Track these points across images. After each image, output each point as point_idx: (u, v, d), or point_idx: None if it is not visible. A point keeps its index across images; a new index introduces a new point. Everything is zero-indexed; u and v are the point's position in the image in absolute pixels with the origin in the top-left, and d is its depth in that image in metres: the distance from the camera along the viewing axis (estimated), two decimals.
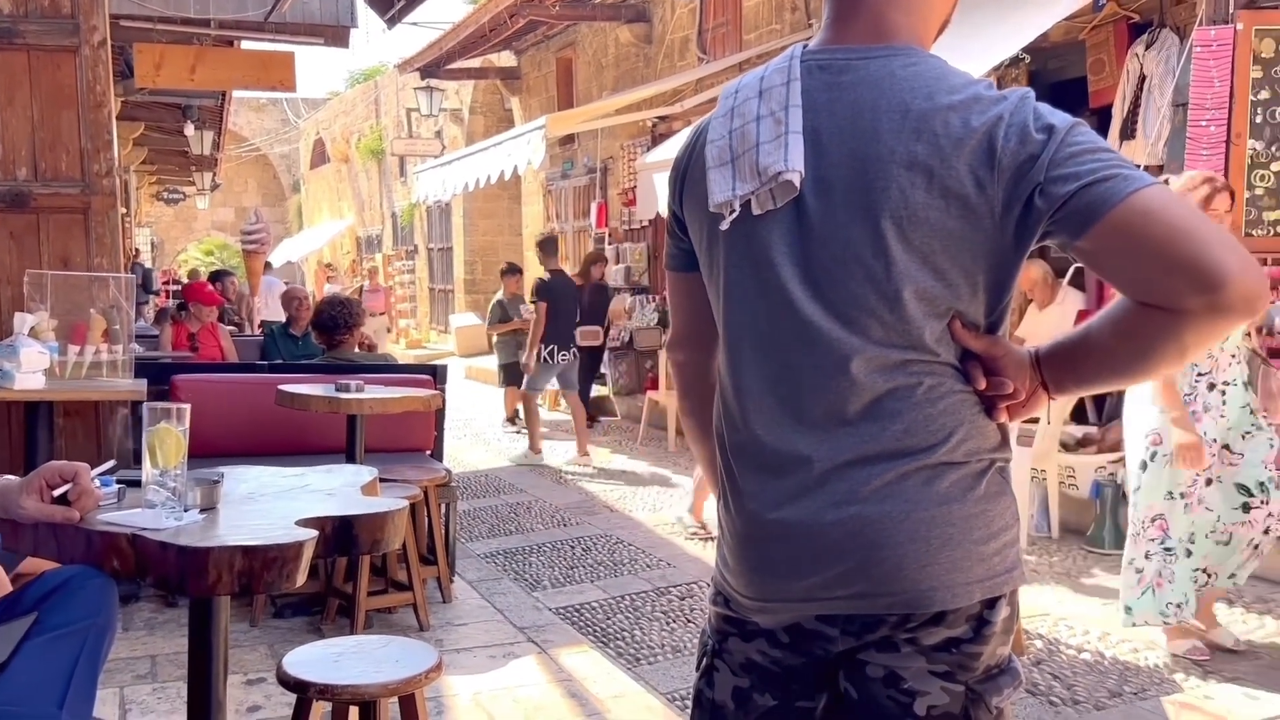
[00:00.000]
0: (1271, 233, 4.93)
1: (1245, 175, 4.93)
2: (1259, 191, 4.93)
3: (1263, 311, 1.12)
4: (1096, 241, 1.13)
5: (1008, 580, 1.27)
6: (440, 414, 4.71)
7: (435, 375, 4.76)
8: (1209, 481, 3.60)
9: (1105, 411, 6.03)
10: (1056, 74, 6.93)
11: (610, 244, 11.55)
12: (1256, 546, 3.66)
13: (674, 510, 6.29)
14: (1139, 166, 5.74)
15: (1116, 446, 5.51)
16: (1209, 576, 3.69)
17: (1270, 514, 3.61)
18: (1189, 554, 3.62)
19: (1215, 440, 3.57)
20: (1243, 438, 3.60)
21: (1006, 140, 1.16)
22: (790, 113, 1.25)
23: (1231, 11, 4.93)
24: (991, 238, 1.19)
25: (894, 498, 1.22)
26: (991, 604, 1.26)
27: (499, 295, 9.84)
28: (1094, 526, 5.19)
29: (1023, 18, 5.67)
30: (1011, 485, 1.30)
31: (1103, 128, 6.19)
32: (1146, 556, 3.66)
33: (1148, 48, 5.86)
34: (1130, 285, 1.16)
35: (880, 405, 1.23)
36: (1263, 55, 4.88)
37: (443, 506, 4.41)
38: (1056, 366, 1.27)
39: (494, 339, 9.81)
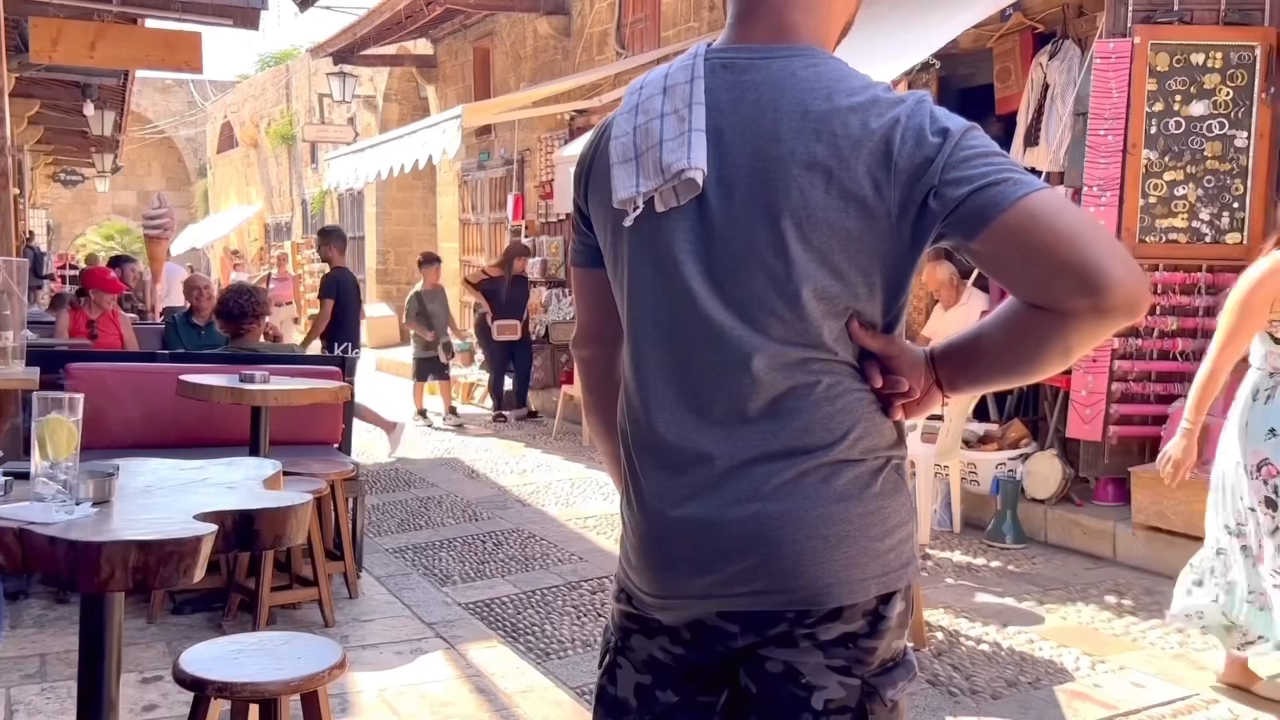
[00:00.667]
0: (1164, 239, 5.13)
1: (1140, 184, 5.12)
2: (1152, 200, 5.13)
3: (1143, 314, 1.15)
4: (988, 244, 1.17)
5: (903, 575, 1.30)
6: (349, 406, 4.63)
7: (344, 367, 4.68)
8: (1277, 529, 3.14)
9: (1006, 409, 6.23)
10: (965, 80, 7.10)
11: (527, 237, 11.49)
12: None
13: (588, 504, 6.30)
14: (1042, 173, 5.85)
15: (1016, 444, 5.69)
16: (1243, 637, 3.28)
17: None
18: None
19: None
20: None
21: (903, 143, 1.18)
22: (693, 110, 1.26)
23: (1129, 25, 5.11)
24: (888, 239, 1.22)
25: (793, 495, 1.24)
26: (887, 599, 1.29)
27: (418, 286, 9.71)
28: (994, 521, 5.35)
29: (932, 25, 5.81)
30: (907, 482, 1.34)
31: (1008, 134, 6.38)
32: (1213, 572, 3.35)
33: (1051, 58, 6.05)
34: (1019, 287, 1.20)
35: (780, 403, 1.25)
36: (1158, 68, 5.08)
37: (350, 501, 4.34)
38: (950, 365, 1.31)
39: (411, 331, 9.67)
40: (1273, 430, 3.12)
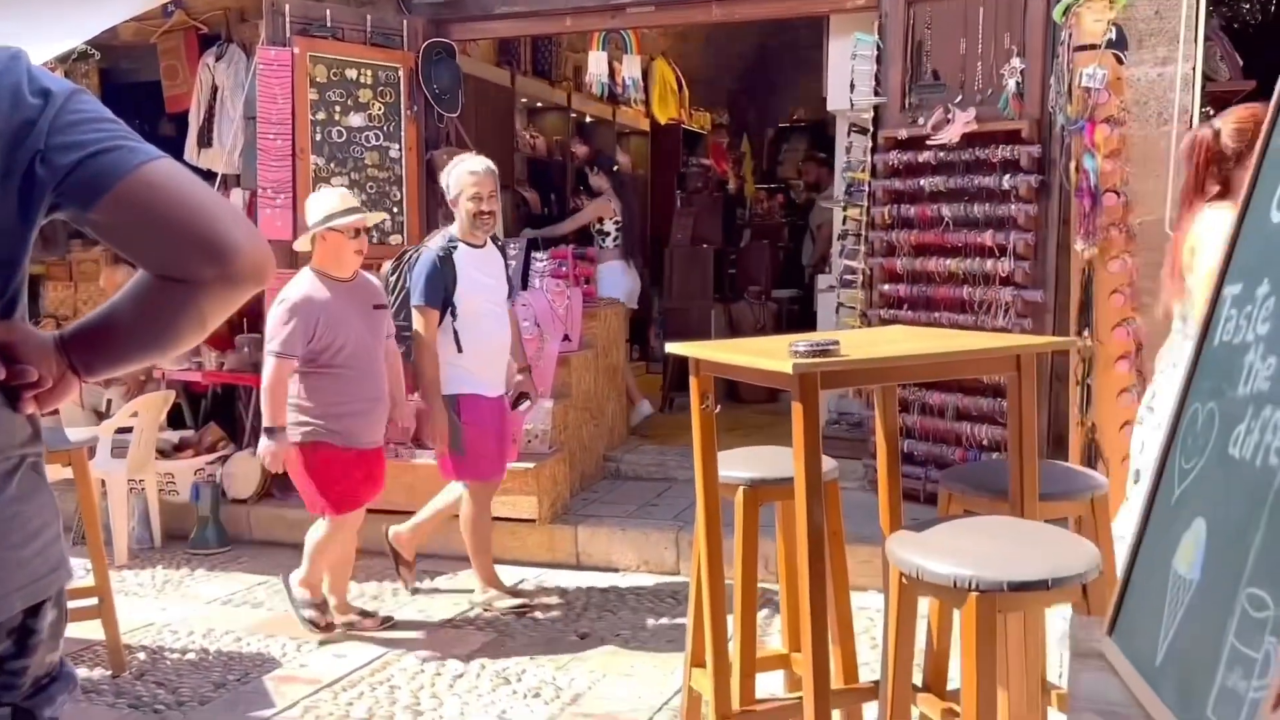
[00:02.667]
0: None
1: (311, 188, 5.39)
2: None
3: (271, 281, 1.21)
4: (107, 214, 1.12)
5: (52, 581, 1.20)
6: None
7: None
8: None
9: (201, 414, 6.11)
10: (131, 75, 6.78)
11: None
12: None
13: None
14: (218, 175, 5.79)
15: (214, 447, 5.63)
16: None
17: None
18: None
19: None
20: None
21: None
22: None
23: (288, 35, 5.35)
24: None
25: None
26: (35, 610, 1.18)
27: None
28: (197, 529, 5.22)
29: (85, 11, 5.41)
30: (47, 478, 1.23)
31: (181, 134, 6.24)
32: None
33: (218, 60, 6.06)
34: (146, 259, 1.17)
35: None
36: (318, 79, 5.41)
37: None
38: (83, 348, 1.22)
39: None
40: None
